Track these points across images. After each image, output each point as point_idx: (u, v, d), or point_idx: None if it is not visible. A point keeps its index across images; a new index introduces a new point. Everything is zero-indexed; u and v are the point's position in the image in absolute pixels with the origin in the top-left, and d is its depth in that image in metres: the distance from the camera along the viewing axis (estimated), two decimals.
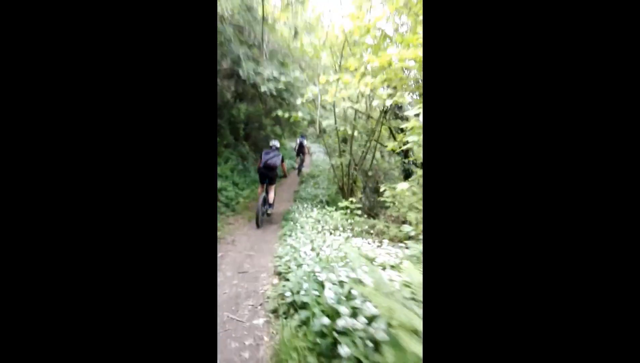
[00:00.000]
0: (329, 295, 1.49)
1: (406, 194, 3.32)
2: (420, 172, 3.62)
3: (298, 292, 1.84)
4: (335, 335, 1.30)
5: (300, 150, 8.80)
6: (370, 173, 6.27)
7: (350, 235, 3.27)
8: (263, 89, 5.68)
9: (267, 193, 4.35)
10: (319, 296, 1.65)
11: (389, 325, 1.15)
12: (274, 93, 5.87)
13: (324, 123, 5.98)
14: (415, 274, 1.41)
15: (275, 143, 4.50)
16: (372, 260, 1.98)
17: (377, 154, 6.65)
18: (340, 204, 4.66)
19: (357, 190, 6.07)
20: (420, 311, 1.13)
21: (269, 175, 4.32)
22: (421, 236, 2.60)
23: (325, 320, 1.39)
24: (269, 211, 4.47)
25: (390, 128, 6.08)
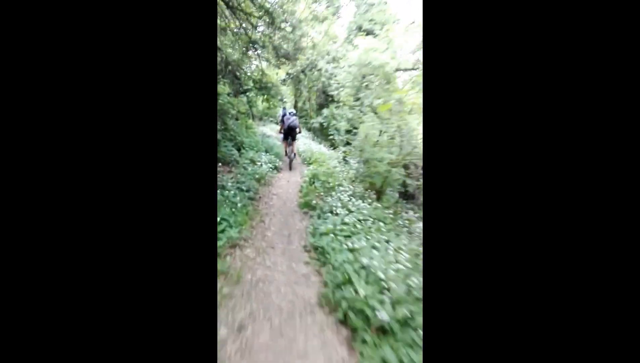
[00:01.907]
0: None
1: None
2: None
3: None
4: None
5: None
6: None
7: None
8: None
9: (291, 146, 6.31)
10: None
11: None
12: None
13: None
14: None
15: (292, 109, 6.34)
16: None
17: None
18: None
19: None
20: None
21: (291, 134, 6.22)
22: None
23: None
24: (293, 158, 6.32)
25: None
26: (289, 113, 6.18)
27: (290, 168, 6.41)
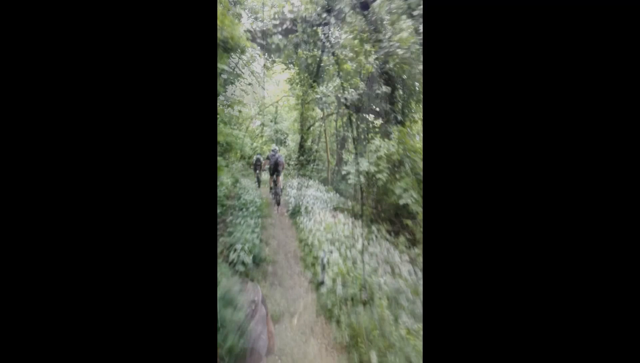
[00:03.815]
0: None
1: None
2: None
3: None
4: None
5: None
6: None
7: None
8: None
9: (277, 181, 6.91)
10: None
11: None
12: None
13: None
14: None
15: (274, 147, 7.01)
16: None
17: None
18: None
19: None
20: None
21: (277, 169, 6.75)
22: None
23: None
24: (280, 193, 7.12)
25: None
26: (272, 150, 6.93)
27: (278, 204, 7.15)
